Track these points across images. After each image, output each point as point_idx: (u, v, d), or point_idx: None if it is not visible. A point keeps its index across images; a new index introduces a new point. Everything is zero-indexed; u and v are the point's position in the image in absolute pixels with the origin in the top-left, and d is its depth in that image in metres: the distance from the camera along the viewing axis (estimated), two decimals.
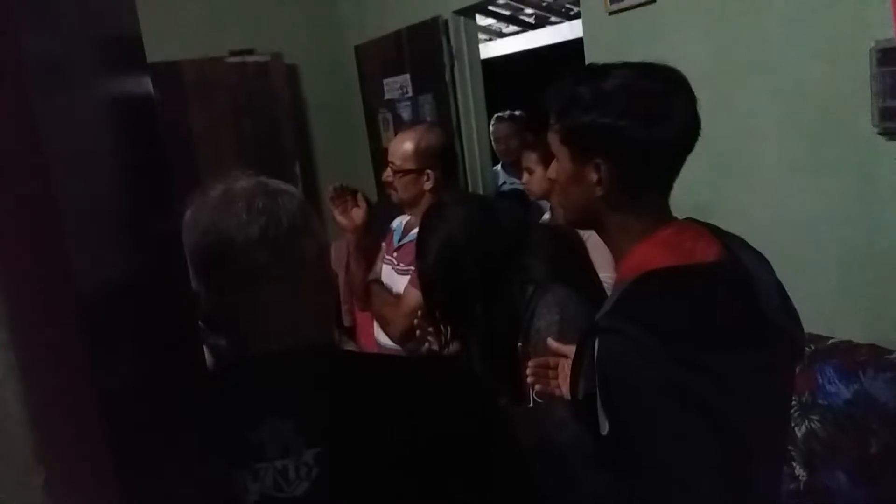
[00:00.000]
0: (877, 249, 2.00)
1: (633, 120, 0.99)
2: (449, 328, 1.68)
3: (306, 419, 0.86)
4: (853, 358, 1.93)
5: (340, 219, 2.06)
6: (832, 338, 2.05)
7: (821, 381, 1.95)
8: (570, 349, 1.30)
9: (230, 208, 0.90)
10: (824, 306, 2.10)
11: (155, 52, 4.02)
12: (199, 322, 0.97)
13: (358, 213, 2.06)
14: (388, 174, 2.04)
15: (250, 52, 4.07)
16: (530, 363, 1.32)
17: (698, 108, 1.03)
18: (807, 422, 1.95)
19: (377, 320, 2.07)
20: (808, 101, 2.11)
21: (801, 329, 1.07)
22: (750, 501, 1.00)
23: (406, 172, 2.00)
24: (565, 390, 1.27)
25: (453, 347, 1.81)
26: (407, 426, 0.86)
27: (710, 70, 2.32)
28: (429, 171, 1.99)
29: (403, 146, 2.01)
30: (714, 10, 2.34)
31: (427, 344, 1.83)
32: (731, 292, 1.00)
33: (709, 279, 1.00)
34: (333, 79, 4.56)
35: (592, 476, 1.21)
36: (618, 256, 1.09)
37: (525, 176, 2.80)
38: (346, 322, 2.95)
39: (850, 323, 2.08)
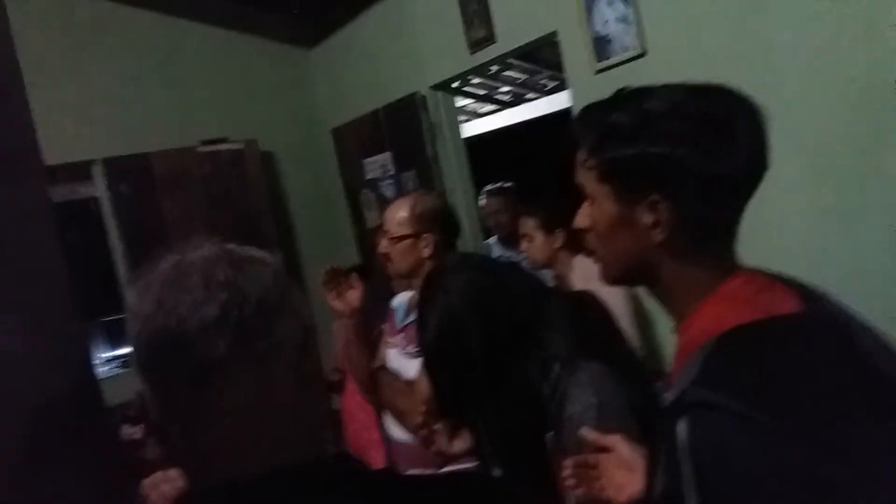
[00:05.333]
0: None
1: (692, 148, 0.81)
2: (456, 420, 1.44)
3: None
4: None
5: (335, 303, 1.85)
6: None
7: None
8: (614, 440, 1.07)
9: (183, 283, 0.69)
10: None
11: (124, 145, 3.87)
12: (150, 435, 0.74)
13: (354, 295, 1.84)
14: (383, 245, 1.86)
15: (223, 140, 3.94)
16: (567, 462, 1.07)
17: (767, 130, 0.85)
18: None
19: (390, 412, 1.83)
20: (832, 145, 1.95)
21: None
22: None
23: (402, 238, 1.83)
24: (612, 494, 1.05)
25: (462, 444, 1.57)
26: None
27: None
28: (426, 235, 1.82)
29: (398, 212, 1.85)
30: (710, 56, 2.21)
31: (433, 444, 1.59)
32: (833, 348, 0.79)
33: (803, 334, 0.79)
34: (311, 163, 4.44)
35: None
36: (679, 316, 0.89)
37: (524, 244, 2.62)
38: None
39: None
